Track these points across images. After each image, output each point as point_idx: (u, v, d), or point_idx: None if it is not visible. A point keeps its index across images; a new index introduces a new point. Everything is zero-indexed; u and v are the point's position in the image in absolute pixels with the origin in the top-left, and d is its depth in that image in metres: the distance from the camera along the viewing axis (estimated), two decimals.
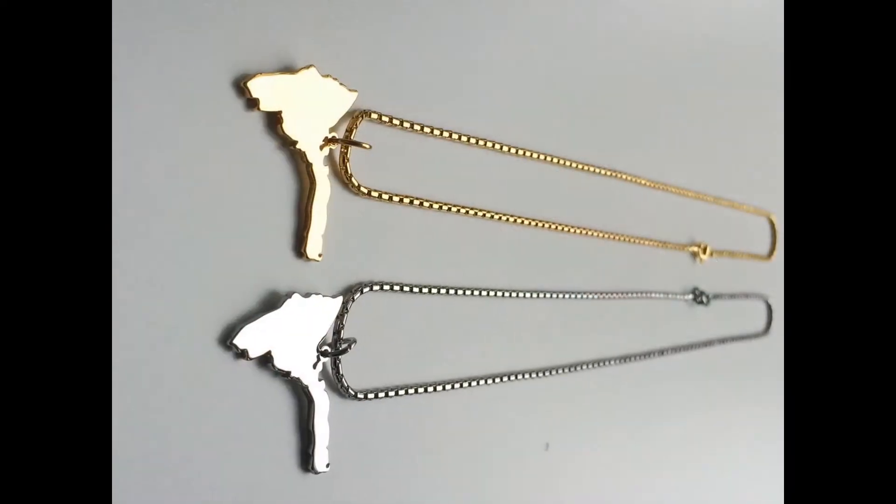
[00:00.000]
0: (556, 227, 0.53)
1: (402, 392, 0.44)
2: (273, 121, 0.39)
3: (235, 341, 0.37)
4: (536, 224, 0.52)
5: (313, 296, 0.40)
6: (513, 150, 0.50)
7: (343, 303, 0.41)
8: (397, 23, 0.44)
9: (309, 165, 0.40)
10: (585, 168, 0.56)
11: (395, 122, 0.43)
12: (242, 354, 0.37)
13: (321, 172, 0.40)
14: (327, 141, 0.40)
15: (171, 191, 0.36)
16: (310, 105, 0.39)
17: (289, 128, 0.39)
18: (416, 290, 0.44)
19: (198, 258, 0.37)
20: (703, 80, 0.70)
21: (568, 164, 0.54)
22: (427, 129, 0.45)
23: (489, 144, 0.48)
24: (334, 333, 0.41)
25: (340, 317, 0.41)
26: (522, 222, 0.51)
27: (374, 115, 0.42)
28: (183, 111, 0.36)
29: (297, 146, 0.39)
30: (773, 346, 0.78)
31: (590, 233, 0.56)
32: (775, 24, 0.77)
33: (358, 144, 0.41)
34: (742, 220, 0.75)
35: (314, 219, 0.40)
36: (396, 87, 0.44)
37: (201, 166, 0.37)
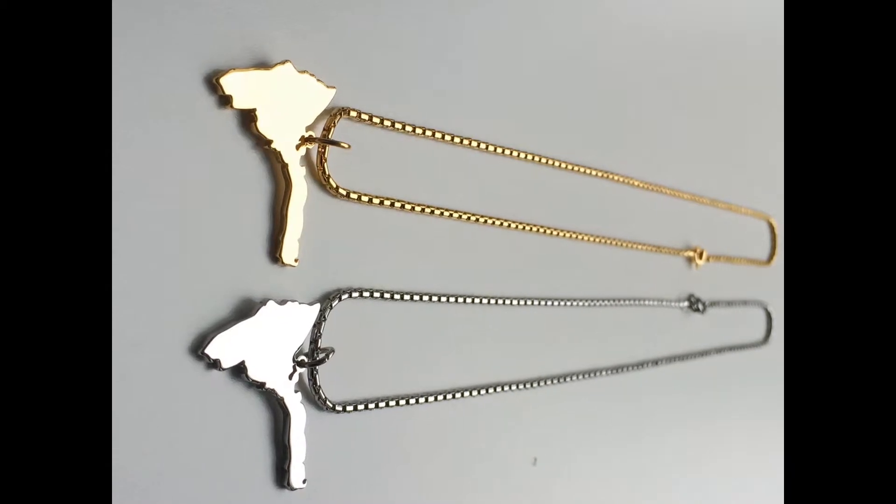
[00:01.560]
0: (545, 231, 0.53)
1: (382, 404, 0.44)
2: (247, 119, 0.39)
3: (207, 351, 0.37)
4: (524, 227, 0.52)
5: (289, 303, 0.40)
6: (500, 150, 0.50)
7: (320, 310, 0.41)
8: (378, 16, 0.45)
9: (285, 166, 0.40)
10: (575, 169, 0.56)
11: (376, 120, 0.43)
12: (214, 365, 0.38)
13: (297, 173, 0.40)
14: (304, 140, 0.40)
15: (140, 192, 0.36)
16: (285, 102, 0.40)
17: (263, 126, 0.39)
18: (397, 296, 0.44)
19: (167, 263, 0.37)
20: (700, 77, 0.70)
21: (557, 164, 0.54)
22: (409, 128, 0.45)
23: (475, 144, 0.49)
24: (311, 343, 0.41)
25: (318, 325, 0.41)
26: (509, 226, 0.51)
27: (354, 113, 0.42)
28: (151, 108, 0.36)
29: (273, 146, 0.39)
30: (773, 356, 0.79)
31: (580, 237, 0.56)
32: (775, 21, 0.77)
33: (336, 144, 0.41)
34: (740, 224, 0.76)
35: (290, 222, 0.40)
36: (377, 84, 0.44)
37: (171, 167, 0.37)
